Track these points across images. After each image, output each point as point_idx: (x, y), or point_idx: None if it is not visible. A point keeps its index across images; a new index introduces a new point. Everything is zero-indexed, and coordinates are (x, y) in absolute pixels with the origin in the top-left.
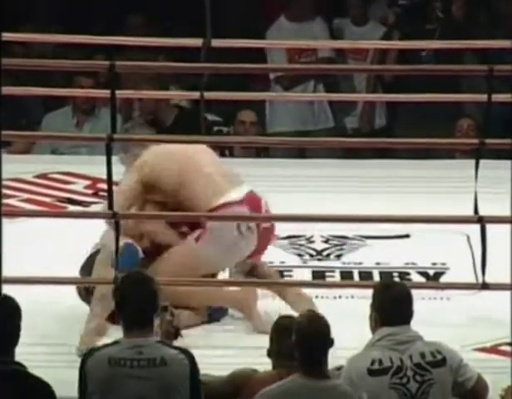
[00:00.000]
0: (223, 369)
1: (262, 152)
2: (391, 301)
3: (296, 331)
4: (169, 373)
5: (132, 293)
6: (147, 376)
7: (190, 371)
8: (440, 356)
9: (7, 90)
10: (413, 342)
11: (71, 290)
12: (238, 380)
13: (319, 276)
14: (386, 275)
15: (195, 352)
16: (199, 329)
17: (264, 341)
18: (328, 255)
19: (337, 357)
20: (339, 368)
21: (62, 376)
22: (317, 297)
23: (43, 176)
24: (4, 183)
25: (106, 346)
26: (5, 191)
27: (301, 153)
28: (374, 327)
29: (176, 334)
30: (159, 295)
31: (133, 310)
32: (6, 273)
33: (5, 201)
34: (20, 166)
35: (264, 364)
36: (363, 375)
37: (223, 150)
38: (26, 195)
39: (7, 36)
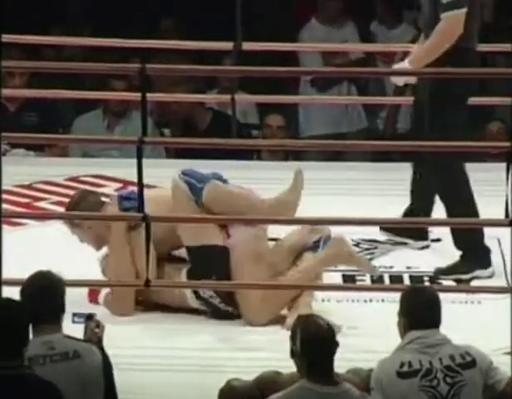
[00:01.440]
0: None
1: (290, 156)
2: (420, 305)
3: (302, 336)
4: (84, 366)
5: (37, 291)
6: (62, 371)
7: (104, 363)
8: (470, 357)
9: (39, 93)
10: (442, 345)
11: None
12: (263, 384)
13: (350, 279)
14: (416, 279)
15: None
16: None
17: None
18: None
19: (366, 359)
20: (370, 370)
21: None
22: (347, 300)
23: (74, 179)
24: (35, 186)
25: None
26: (36, 194)
27: (335, 156)
28: (403, 332)
29: (99, 345)
30: (62, 294)
31: (39, 308)
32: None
33: (36, 204)
34: (52, 169)
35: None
36: (392, 377)
37: (251, 154)
38: (56, 198)
39: (41, 39)
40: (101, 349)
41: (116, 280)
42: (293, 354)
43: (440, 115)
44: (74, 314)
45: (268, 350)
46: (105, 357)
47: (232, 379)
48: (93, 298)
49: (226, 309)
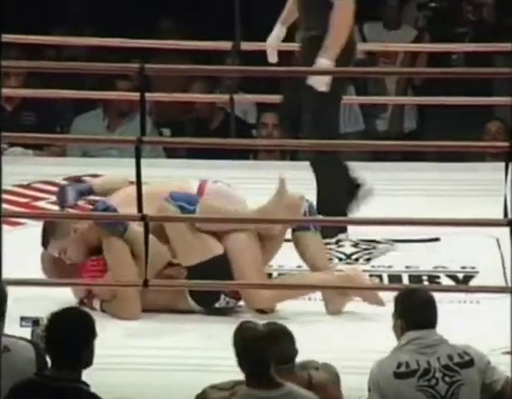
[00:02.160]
0: None
1: (287, 155)
2: (416, 305)
3: (238, 343)
4: (13, 359)
5: None
6: None
7: (36, 357)
8: (468, 357)
9: (39, 92)
10: (440, 345)
11: None
12: None
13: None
14: (415, 279)
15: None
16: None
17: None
18: (357, 259)
19: (367, 359)
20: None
21: None
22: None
23: (73, 179)
24: (34, 185)
25: None
26: (35, 193)
27: None
28: (400, 334)
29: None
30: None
31: None
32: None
33: (34, 203)
34: (51, 169)
35: None
36: (389, 378)
37: (247, 153)
38: (55, 198)
39: (41, 39)
40: (36, 347)
41: (115, 280)
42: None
43: (319, 113)
44: (22, 318)
45: None
46: (41, 355)
47: (210, 386)
48: (88, 302)
49: (239, 306)
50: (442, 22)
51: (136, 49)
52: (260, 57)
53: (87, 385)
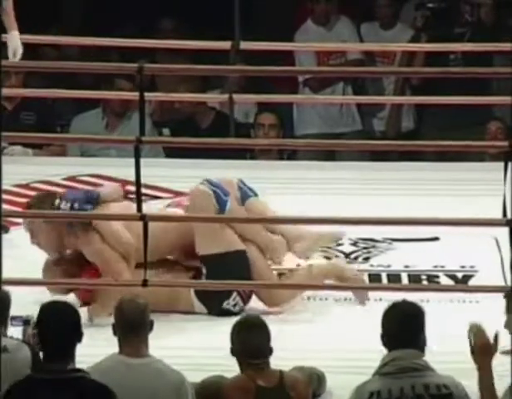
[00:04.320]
0: None
1: (284, 155)
2: (396, 321)
3: (115, 315)
4: (12, 359)
5: None
6: None
7: (32, 358)
8: (447, 391)
9: (39, 92)
10: (419, 371)
11: None
12: (207, 392)
13: None
14: (414, 278)
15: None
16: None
17: None
18: (356, 258)
19: (364, 359)
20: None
21: None
22: (345, 299)
23: (72, 179)
24: (33, 185)
25: None
26: (34, 193)
27: (328, 155)
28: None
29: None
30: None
31: None
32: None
33: None
34: (50, 169)
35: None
36: None
37: (244, 153)
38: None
39: (40, 39)
40: (32, 347)
41: (114, 279)
42: (233, 352)
43: None
44: (12, 318)
45: None
46: (36, 355)
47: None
48: (85, 297)
49: (242, 311)
50: (440, 21)
51: (136, 49)
52: (259, 57)
53: (84, 371)
